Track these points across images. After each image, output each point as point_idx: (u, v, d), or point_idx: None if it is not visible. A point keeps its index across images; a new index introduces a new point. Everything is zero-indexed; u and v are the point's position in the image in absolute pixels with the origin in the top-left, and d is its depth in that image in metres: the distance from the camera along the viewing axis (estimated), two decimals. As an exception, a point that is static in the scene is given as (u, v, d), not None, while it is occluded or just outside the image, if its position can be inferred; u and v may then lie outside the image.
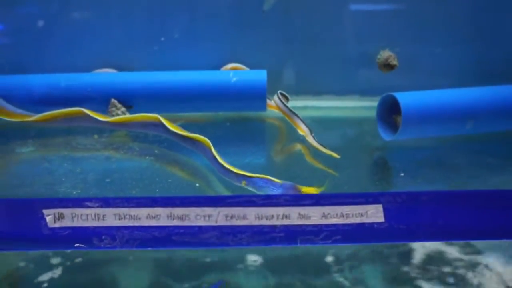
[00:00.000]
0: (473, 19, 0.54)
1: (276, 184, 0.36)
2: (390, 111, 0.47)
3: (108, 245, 0.33)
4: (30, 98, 0.48)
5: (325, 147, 0.43)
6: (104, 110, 0.47)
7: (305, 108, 0.57)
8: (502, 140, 0.46)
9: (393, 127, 0.47)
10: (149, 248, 0.33)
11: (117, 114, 0.47)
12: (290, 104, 0.55)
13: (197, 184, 0.39)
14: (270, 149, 0.50)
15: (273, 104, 0.52)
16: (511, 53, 0.54)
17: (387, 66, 0.54)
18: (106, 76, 0.50)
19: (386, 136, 0.47)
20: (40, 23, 0.52)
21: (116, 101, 0.48)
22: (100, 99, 0.48)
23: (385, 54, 0.53)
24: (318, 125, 0.53)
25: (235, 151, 0.48)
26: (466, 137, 0.47)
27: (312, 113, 0.56)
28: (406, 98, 0.45)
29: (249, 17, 0.53)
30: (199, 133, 0.49)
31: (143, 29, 0.53)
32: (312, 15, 0.54)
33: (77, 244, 0.33)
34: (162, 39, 0.53)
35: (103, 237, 0.33)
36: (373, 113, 0.48)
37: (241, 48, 0.54)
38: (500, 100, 0.46)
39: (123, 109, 0.48)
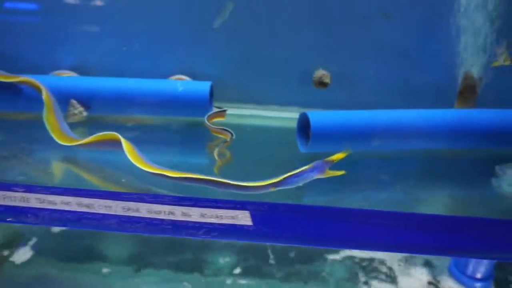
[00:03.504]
0: (399, 46, 0.59)
1: (307, 170, 0.42)
2: (307, 127, 0.54)
3: (33, 222, 0.43)
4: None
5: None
6: (65, 109, 0.57)
7: (251, 116, 0.65)
8: (402, 158, 0.53)
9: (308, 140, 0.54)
10: (65, 227, 0.43)
11: (74, 114, 0.57)
12: (237, 111, 0.64)
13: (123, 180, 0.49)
14: (209, 151, 0.59)
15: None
16: (431, 75, 0.59)
17: (321, 83, 0.60)
18: (68, 79, 0.60)
19: (302, 148, 0.54)
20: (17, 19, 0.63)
21: (75, 102, 0.58)
22: (63, 100, 0.58)
23: (319, 73, 0.60)
24: (258, 133, 0.62)
25: (181, 151, 0.58)
26: (375, 153, 0.53)
27: (256, 121, 0.64)
28: (316, 116, 0.52)
29: (200, 34, 0.62)
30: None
31: (109, 38, 0.63)
32: (256, 34, 0.61)
33: (9, 219, 0.43)
34: (124, 48, 0.62)
35: (29, 215, 0.43)
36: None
37: (194, 61, 0.63)
38: (402, 121, 0.52)
39: (81, 108, 0.58)
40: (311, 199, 0.48)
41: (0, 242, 0.77)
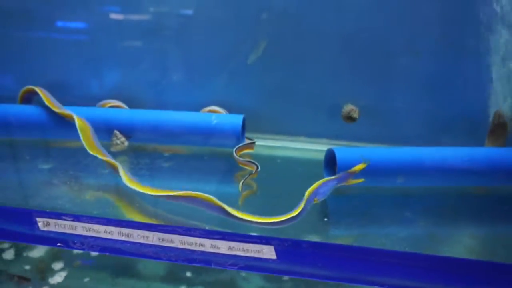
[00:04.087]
0: (429, 81, 0.61)
1: (334, 180, 0.49)
2: (333, 162, 0.57)
3: (79, 247, 0.48)
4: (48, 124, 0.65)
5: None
6: (109, 139, 0.63)
7: (281, 147, 0.68)
8: (427, 195, 0.54)
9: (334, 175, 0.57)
10: (107, 253, 0.48)
11: (117, 143, 0.63)
12: (268, 143, 0.68)
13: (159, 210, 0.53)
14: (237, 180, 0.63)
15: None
16: (462, 110, 0.61)
17: (349, 118, 0.63)
18: (112, 112, 0.66)
19: (329, 183, 0.57)
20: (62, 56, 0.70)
21: (118, 132, 0.63)
22: (107, 130, 0.64)
23: (348, 108, 0.63)
24: (287, 164, 0.65)
25: (213, 180, 0.62)
26: (397, 189, 0.55)
27: (286, 153, 0.68)
28: (342, 152, 0.54)
29: (236, 68, 0.66)
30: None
31: (149, 72, 0.69)
32: (288, 68, 0.65)
33: (59, 244, 0.48)
34: (163, 81, 0.68)
35: (76, 241, 0.48)
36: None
37: (229, 93, 0.68)
38: (426, 160, 0.54)
39: (123, 138, 0.63)
40: (336, 234, 0.51)
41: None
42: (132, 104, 0.69)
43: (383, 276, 0.41)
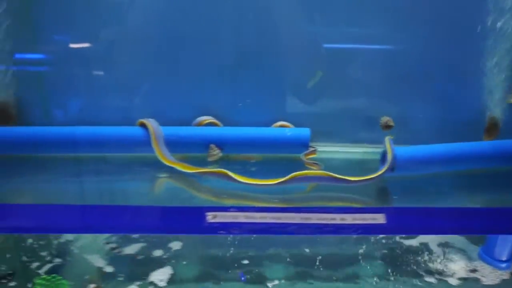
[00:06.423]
0: (437, 95, 0.89)
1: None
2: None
3: (237, 232, 0.65)
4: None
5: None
6: (205, 151, 0.80)
7: (336, 152, 0.91)
8: (452, 177, 0.81)
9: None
10: (259, 234, 0.65)
11: (213, 154, 0.80)
12: (324, 149, 0.90)
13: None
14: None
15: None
16: (462, 115, 0.90)
17: (387, 127, 0.87)
18: (207, 129, 0.84)
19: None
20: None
21: (213, 145, 0.80)
22: (204, 144, 0.81)
23: (385, 118, 0.87)
24: (343, 162, 0.88)
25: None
26: (433, 174, 0.80)
27: (340, 155, 0.91)
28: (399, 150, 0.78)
29: (296, 91, 0.88)
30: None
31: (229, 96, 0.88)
32: (336, 92, 0.88)
33: (221, 231, 0.65)
34: (240, 104, 0.87)
35: (236, 227, 0.65)
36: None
37: (289, 111, 0.89)
38: (449, 152, 0.80)
39: (218, 150, 0.81)
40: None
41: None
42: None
43: (435, 225, 0.67)
